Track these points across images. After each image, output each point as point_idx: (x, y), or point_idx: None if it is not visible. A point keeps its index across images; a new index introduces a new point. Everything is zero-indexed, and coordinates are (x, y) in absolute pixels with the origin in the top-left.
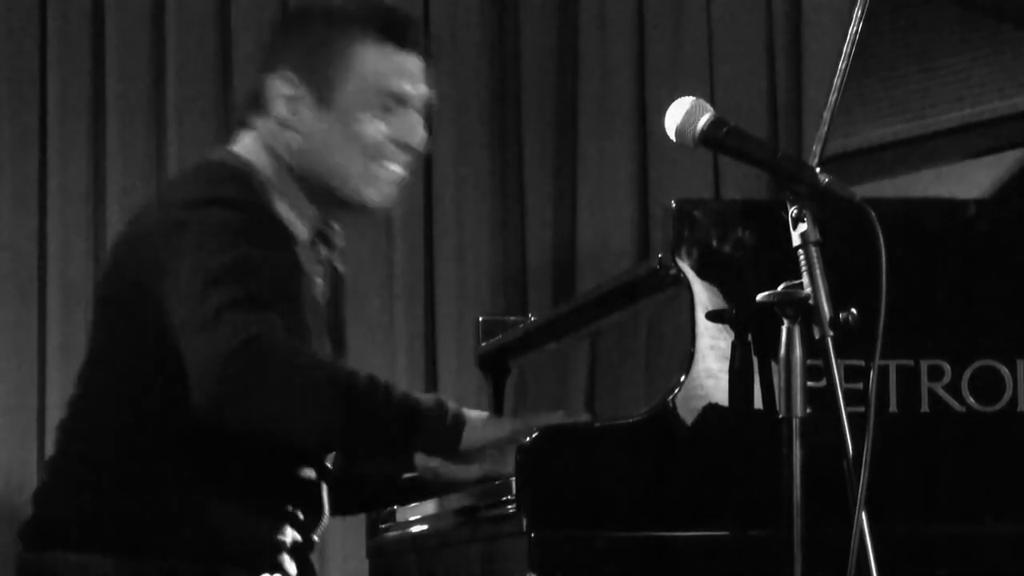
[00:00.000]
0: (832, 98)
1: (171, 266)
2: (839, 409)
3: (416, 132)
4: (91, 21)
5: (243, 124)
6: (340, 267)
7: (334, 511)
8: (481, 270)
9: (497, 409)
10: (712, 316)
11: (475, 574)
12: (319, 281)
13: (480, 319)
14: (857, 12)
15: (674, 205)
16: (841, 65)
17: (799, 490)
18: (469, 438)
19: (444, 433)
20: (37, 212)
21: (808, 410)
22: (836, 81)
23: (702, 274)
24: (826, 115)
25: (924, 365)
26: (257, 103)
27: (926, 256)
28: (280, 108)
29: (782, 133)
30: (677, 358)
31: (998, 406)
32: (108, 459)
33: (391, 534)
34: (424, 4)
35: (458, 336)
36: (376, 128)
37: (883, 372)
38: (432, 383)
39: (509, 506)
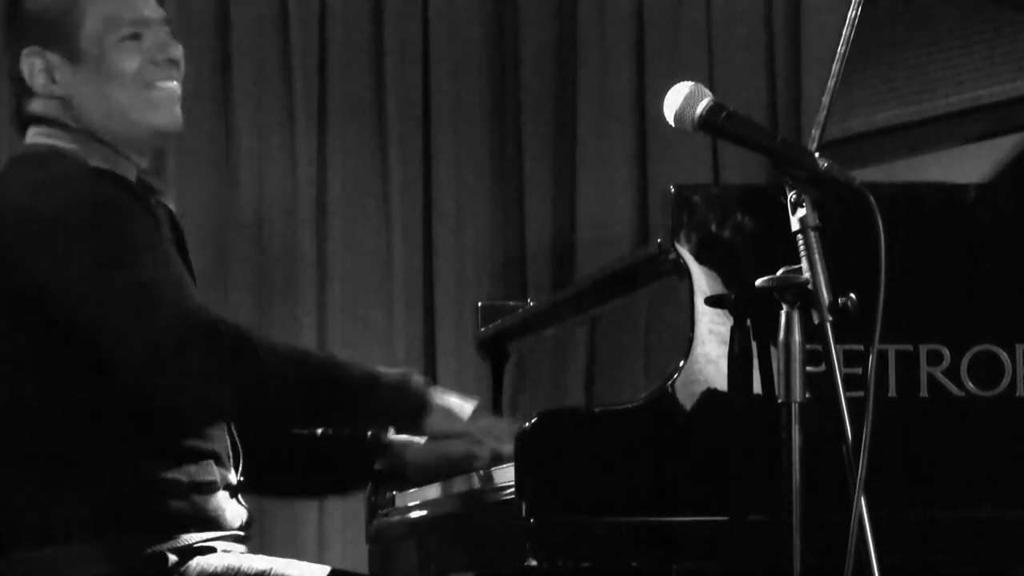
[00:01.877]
0: (831, 83)
1: (52, 264)
2: (838, 394)
3: (167, 45)
4: None
5: (24, 123)
6: (171, 206)
7: (308, 493)
8: (480, 255)
9: (496, 393)
10: (711, 301)
11: (475, 560)
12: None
13: (479, 304)
14: None
15: (673, 190)
16: (840, 50)
17: (798, 475)
18: (437, 421)
19: (404, 409)
20: None
21: (807, 395)
22: (835, 66)
23: (701, 259)
24: (825, 100)
25: (923, 350)
26: (22, 92)
27: (925, 240)
28: (40, 82)
29: (781, 120)
30: (676, 343)
31: (997, 390)
32: (24, 449)
33: (391, 519)
34: None
35: (457, 321)
36: (128, 58)
37: (882, 357)
38: (432, 368)
39: (508, 491)
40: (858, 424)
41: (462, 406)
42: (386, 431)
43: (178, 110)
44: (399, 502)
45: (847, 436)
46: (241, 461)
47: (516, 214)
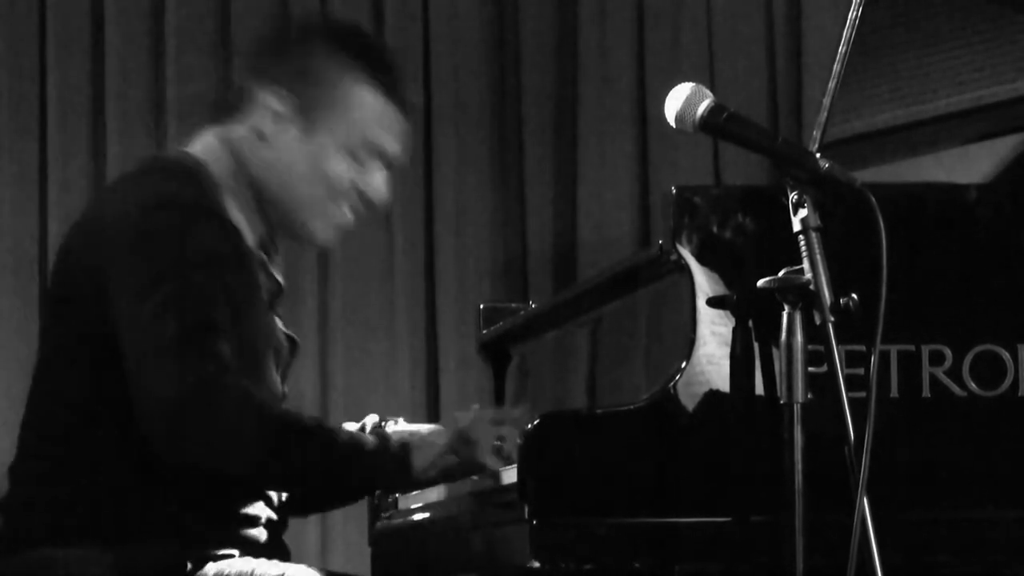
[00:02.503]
0: (832, 84)
1: (123, 279)
2: (840, 394)
3: (381, 191)
4: (91, 19)
5: (211, 122)
6: (280, 279)
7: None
8: (482, 257)
9: (498, 396)
10: (713, 302)
11: (477, 562)
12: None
13: (481, 306)
14: None
15: (674, 191)
16: (840, 50)
17: (800, 476)
18: (420, 459)
19: (392, 464)
20: (37, 211)
21: (809, 395)
22: (836, 67)
23: (703, 260)
24: (826, 101)
25: (925, 350)
26: (235, 106)
27: (927, 241)
28: (264, 121)
29: (782, 121)
30: (678, 344)
31: (999, 390)
32: (66, 452)
33: (393, 522)
34: None
35: (459, 323)
36: (346, 171)
37: (884, 357)
38: (433, 370)
39: (511, 493)
40: (860, 425)
41: (431, 429)
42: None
43: (335, 236)
44: (401, 504)
45: (849, 437)
46: (283, 501)
47: (517, 215)
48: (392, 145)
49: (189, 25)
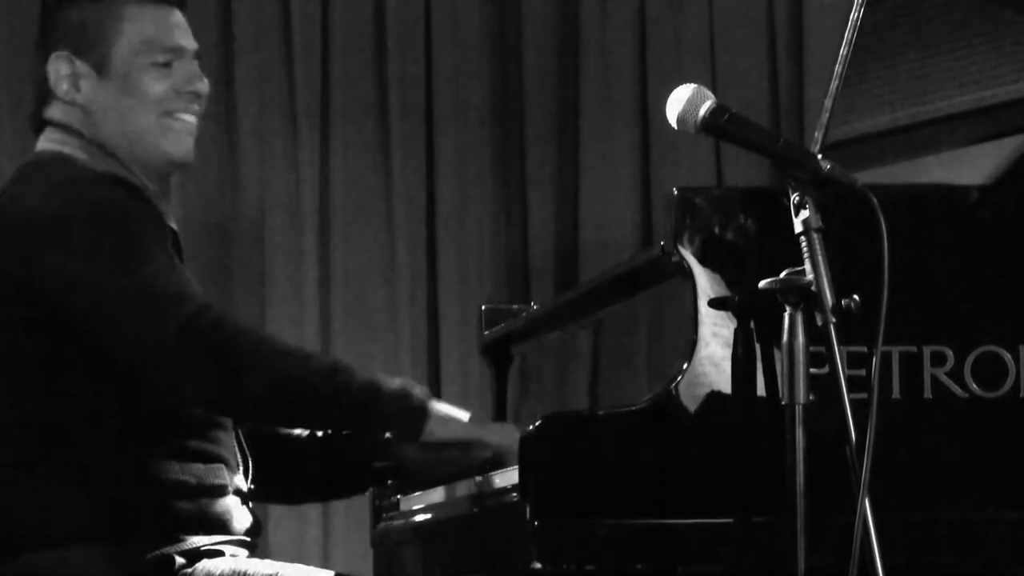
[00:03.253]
0: (833, 85)
1: (62, 254)
2: (842, 395)
3: (197, 79)
4: None
5: (40, 124)
6: (173, 225)
7: (309, 496)
8: (484, 259)
9: (500, 397)
10: (714, 303)
11: (479, 563)
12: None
13: (483, 308)
14: None
15: (676, 193)
16: (842, 52)
17: (802, 476)
18: (434, 430)
19: (404, 417)
20: None
21: (811, 397)
22: (837, 68)
23: (704, 262)
24: (828, 102)
25: (927, 351)
26: (43, 95)
27: (928, 242)
28: (66, 90)
29: (784, 122)
30: (680, 346)
31: (1001, 392)
32: (30, 452)
33: (395, 523)
34: None
35: (461, 324)
36: (157, 83)
37: (886, 358)
38: (435, 371)
39: (512, 494)
40: (862, 426)
41: (460, 415)
42: (383, 437)
43: (192, 143)
44: (403, 506)
45: (851, 438)
46: (250, 468)
47: (519, 217)
48: (183, 40)
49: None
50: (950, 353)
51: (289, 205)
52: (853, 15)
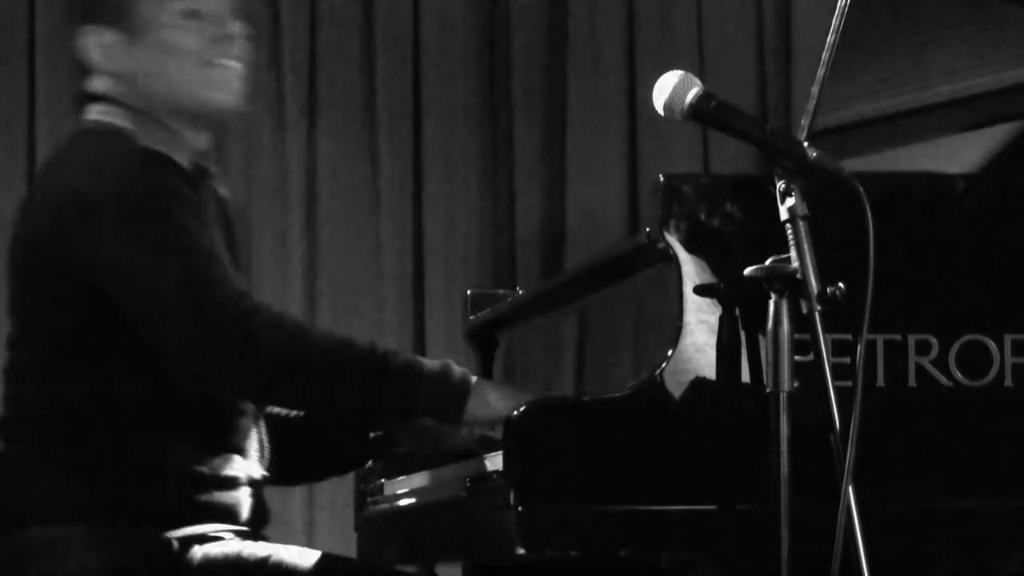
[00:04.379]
0: (820, 72)
1: (100, 233)
2: (827, 383)
3: (226, 21)
4: None
5: (83, 99)
6: (223, 191)
7: (309, 476)
8: (470, 244)
9: None
10: (700, 290)
11: (464, 548)
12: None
13: (469, 293)
14: None
15: (662, 179)
16: (829, 39)
17: (786, 464)
18: (474, 407)
19: (446, 399)
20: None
21: (796, 384)
22: (825, 55)
23: (690, 248)
24: (814, 89)
25: (911, 339)
26: (83, 71)
27: (914, 230)
28: (105, 61)
29: (771, 109)
30: (665, 332)
31: (985, 380)
32: (47, 431)
33: (380, 507)
34: None
35: (447, 309)
36: (188, 37)
37: (870, 346)
38: (421, 355)
39: (497, 480)
40: (846, 413)
41: (504, 392)
42: (425, 422)
43: (240, 87)
44: (387, 490)
45: (835, 426)
46: (267, 456)
47: (506, 202)
48: None
49: None
50: (935, 341)
51: (275, 190)
52: (841, 3)
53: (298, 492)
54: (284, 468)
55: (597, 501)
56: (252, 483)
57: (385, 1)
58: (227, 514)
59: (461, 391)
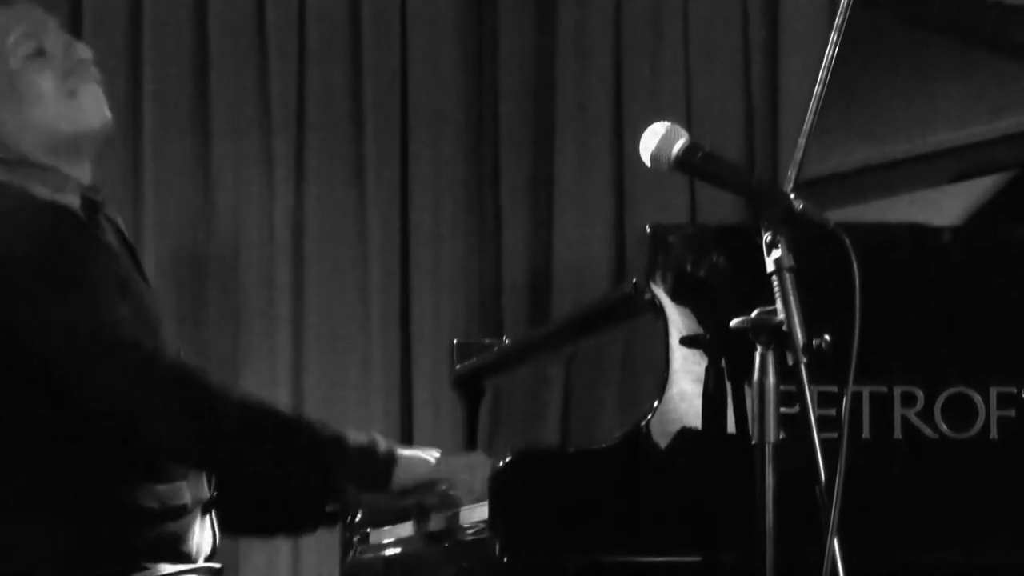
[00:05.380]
0: (807, 123)
1: (14, 310)
2: (812, 435)
3: (73, 47)
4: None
5: None
6: (119, 220)
7: (258, 531)
8: (457, 292)
9: (471, 431)
10: (686, 341)
11: None
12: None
13: (455, 341)
14: (833, 37)
15: (649, 230)
16: (817, 90)
17: (772, 515)
18: (401, 477)
19: (373, 470)
20: None
21: (781, 435)
22: (812, 106)
23: (676, 299)
24: (801, 140)
25: (897, 391)
26: None
27: (900, 282)
28: None
29: (758, 157)
30: (651, 382)
31: (971, 433)
32: None
33: (365, 556)
34: (401, 24)
35: (433, 358)
36: (43, 75)
37: (856, 398)
38: (407, 405)
39: (482, 530)
40: (832, 465)
41: (428, 456)
42: (350, 493)
43: (104, 104)
44: (373, 539)
45: (821, 477)
46: (212, 476)
47: (492, 250)
48: (33, 20)
49: (166, 52)
50: (920, 394)
51: (263, 232)
52: (828, 54)
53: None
54: (232, 517)
55: (582, 551)
56: (199, 503)
57: (373, 46)
58: (183, 549)
59: (387, 462)
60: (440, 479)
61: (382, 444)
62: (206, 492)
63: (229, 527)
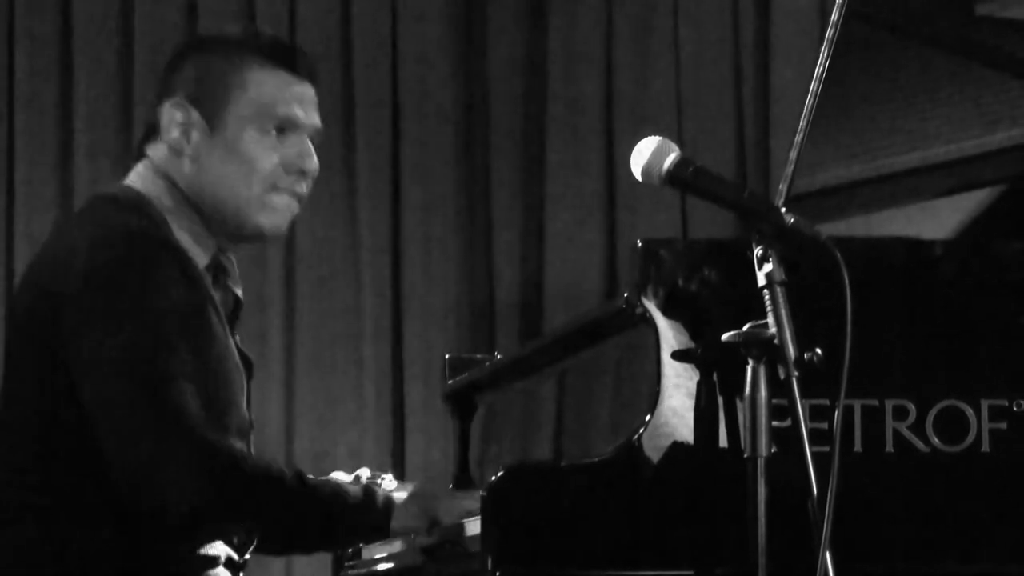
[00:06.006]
0: (799, 137)
1: (80, 316)
2: (804, 448)
3: (308, 157)
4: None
5: (139, 156)
6: (238, 292)
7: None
8: (448, 308)
9: (463, 446)
10: (678, 355)
11: None
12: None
13: (447, 357)
14: (824, 52)
15: (640, 244)
16: (808, 104)
17: (764, 529)
18: (398, 523)
19: (374, 523)
20: (5, 222)
21: (773, 449)
22: (803, 120)
23: (668, 313)
24: (792, 154)
25: (889, 405)
26: (152, 133)
27: (891, 296)
28: (176, 136)
29: (750, 170)
30: (643, 397)
31: (962, 446)
32: (30, 492)
33: (358, 571)
34: (392, 35)
35: (425, 374)
36: (268, 151)
37: (848, 412)
38: (400, 421)
39: (474, 545)
40: (824, 479)
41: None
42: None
43: (288, 221)
44: (365, 554)
45: (813, 491)
46: (251, 544)
47: (484, 267)
48: (301, 112)
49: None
50: (912, 407)
51: (254, 252)
52: (819, 68)
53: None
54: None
55: (575, 566)
56: (230, 563)
57: (364, 64)
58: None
59: (385, 513)
60: (438, 518)
61: (380, 495)
62: (236, 555)
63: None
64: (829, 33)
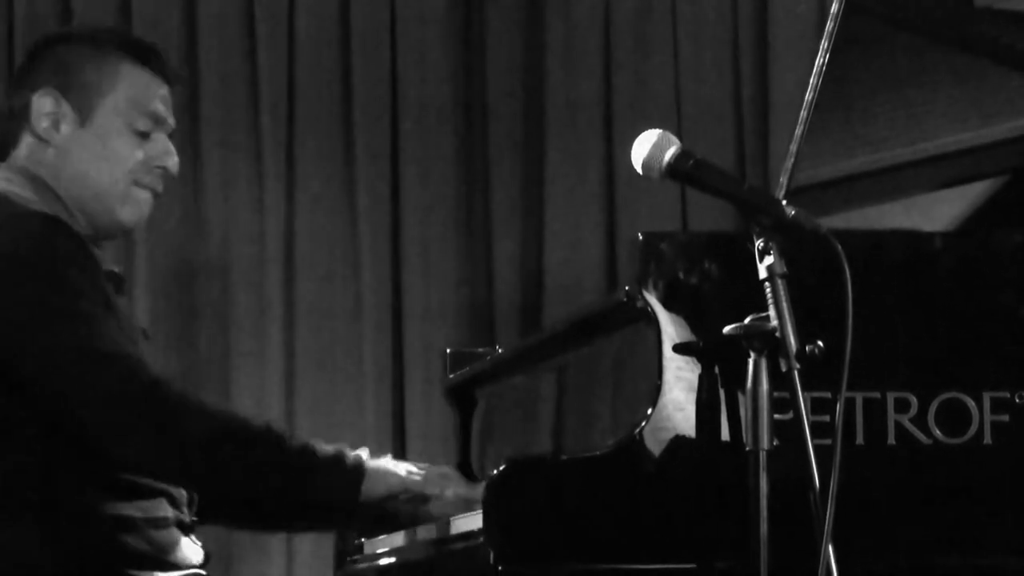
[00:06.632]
0: (798, 130)
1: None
2: (806, 441)
3: (171, 155)
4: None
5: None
6: (117, 269)
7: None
8: (448, 302)
9: (464, 440)
10: (679, 348)
11: None
12: None
13: (448, 351)
14: (824, 44)
15: (641, 238)
16: (808, 97)
17: (765, 522)
18: (370, 488)
19: (341, 479)
20: None
21: (775, 442)
22: (802, 113)
23: (669, 306)
24: (792, 147)
25: (890, 397)
26: (13, 130)
27: (892, 288)
28: (42, 125)
29: (748, 165)
30: (644, 390)
31: (964, 438)
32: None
33: (359, 566)
34: (390, 33)
35: (426, 368)
36: (133, 149)
37: (849, 404)
38: (400, 415)
39: (476, 539)
40: (825, 471)
41: (395, 468)
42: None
43: (146, 214)
44: (367, 549)
45: (814, 483)
46: (195, 503)
47: (484, 261)
48: (164, 111)
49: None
50: (914, 399)
51: (254, 244)
52: (819, 61)
53: (277, 548)
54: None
55: (576, 560)
56: (181, 525)
57: (363, 58)
58: (168, 558)
59: (355, 473)
60: (410, 490)
61: (350, 455)
62: (187, 516)
63: (214, 519)
64: (828, 26)
